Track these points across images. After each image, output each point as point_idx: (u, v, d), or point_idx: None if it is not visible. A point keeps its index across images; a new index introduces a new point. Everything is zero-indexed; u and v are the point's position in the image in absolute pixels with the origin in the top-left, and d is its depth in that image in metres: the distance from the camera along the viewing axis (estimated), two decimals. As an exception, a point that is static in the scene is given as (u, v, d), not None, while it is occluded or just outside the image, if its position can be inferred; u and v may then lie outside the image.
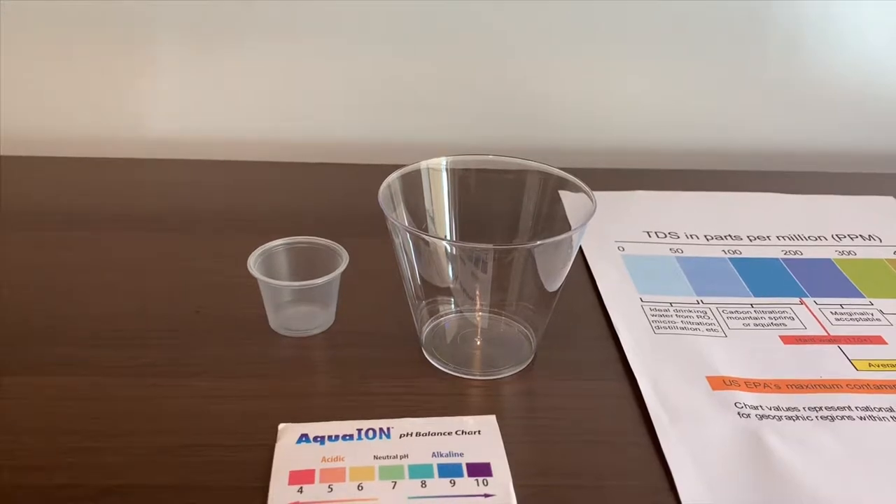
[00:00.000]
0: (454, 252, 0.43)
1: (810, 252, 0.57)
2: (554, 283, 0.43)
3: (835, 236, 0.59)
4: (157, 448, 0.39)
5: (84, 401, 0.41)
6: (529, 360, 0.45)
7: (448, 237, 0.47)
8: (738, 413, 0.42)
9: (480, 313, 0.46)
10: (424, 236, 0.43)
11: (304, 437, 0.39)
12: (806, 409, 0.42)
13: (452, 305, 0.46)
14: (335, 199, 0.63)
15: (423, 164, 0.46)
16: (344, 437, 0.39)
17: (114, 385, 0.42)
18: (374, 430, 0.39)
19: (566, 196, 0.45)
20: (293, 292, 0.47)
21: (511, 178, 0.47)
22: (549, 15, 0.67)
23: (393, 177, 0.45)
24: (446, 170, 0.47)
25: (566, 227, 0.44)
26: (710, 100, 0.72)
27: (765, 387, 0.44)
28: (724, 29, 0.69)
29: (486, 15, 0.68)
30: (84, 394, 0.42)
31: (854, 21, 0.69)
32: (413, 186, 0.46)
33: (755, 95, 0.72)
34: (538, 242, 0.40)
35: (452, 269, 0.43)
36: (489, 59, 0.69)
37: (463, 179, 0.47)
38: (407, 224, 0.45)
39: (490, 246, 0.40)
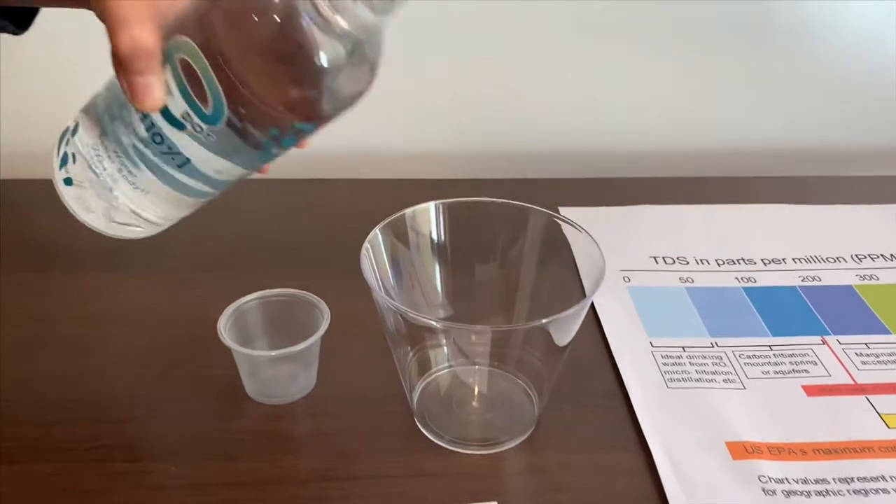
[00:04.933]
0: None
1: (829, 277, 0.53)
2: (564, 338, 0.38)
3: (855, 257, 0.55)
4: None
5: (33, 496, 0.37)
6: (532, 428, 0.41)
7: (439, 287, 0.42)
8: (763, 489, 0.38)
9: (478, 368, 0.42)
10: (419, 319, 0.37)
11: (284, 542, 0.35)
12: (836, 480, 0.38)
13: (446, 361, 0.42)
14: (317, 222, 0.58)
15: (409, 212, 0.41)
16: (329, 540, 0.35)
17: (70, 473, 0.38)
18: (362, 530, 0.35)
19: (570, 232, 0.41)
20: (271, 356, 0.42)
21: (512, 215, 0.42)
22: (547, 20, 0.62)
23: (374, 233, 0.39)
24: (435, 214, 0.42)
25: (570, 264, 0.40)
26: (715, 100, 0.67)
27: (790, 452, 0.40)
28: (726, 26, 0.63)
29: (481, 21, 0.62)
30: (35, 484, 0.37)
31: (864, 15, 0.64)
32: (398, 235, 0.41)
33: (764, 94, 0.67)
34: (543, 321, 0.35)
35: (447, 348, 0.39)
36: (485, 67, 0.64)
37: (453, 220, 0.42)
38: (391, 279, 0.40)
39: (487, 328, 0.35)
